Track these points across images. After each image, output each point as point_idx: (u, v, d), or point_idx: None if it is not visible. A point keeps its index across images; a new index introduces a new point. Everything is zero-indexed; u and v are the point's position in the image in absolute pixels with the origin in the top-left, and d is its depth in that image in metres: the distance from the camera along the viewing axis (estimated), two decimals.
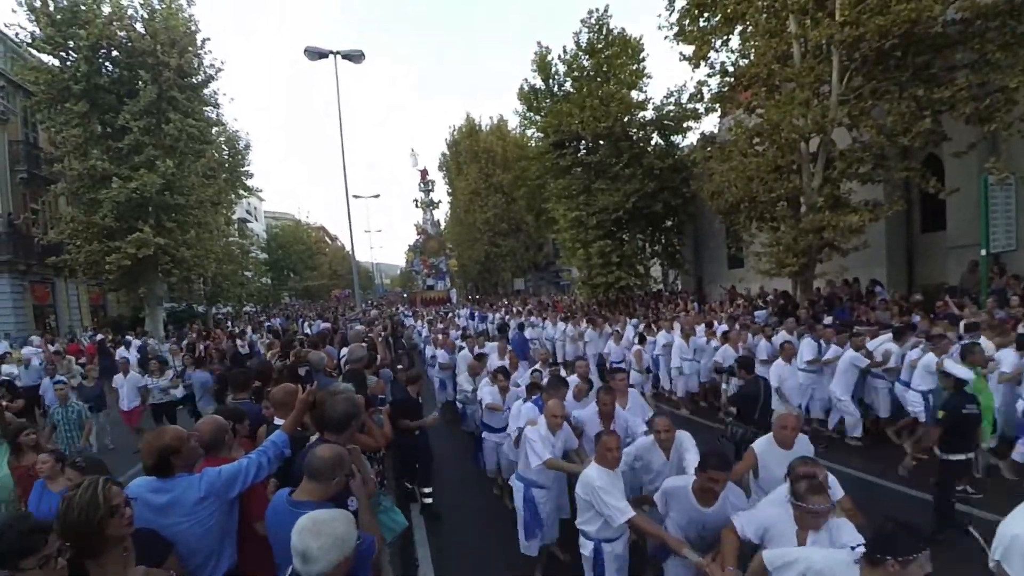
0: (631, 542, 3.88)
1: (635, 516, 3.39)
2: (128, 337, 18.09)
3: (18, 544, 1.76)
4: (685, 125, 20.11)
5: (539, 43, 22.04)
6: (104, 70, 18.75)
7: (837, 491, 3.22)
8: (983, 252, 10.27)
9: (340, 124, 15.76)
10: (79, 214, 18.81)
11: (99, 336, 19.15)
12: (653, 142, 21.16)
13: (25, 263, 20.40)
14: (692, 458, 3.81)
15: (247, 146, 28.92)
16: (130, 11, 18.71)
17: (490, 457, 6.26)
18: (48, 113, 18.94)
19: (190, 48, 19.55)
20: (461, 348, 9.76)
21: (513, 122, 33.31)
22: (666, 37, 14.40)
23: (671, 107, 20.00)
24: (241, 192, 29.80)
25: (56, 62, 18.30)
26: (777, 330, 9.54)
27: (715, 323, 11.13)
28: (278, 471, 2.83)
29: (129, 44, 18.35)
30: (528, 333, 15.68)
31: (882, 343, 7.67)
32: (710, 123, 24.66)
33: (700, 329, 10.77)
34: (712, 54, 14.09)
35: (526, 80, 22.96)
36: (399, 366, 8.23)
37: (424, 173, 36.68)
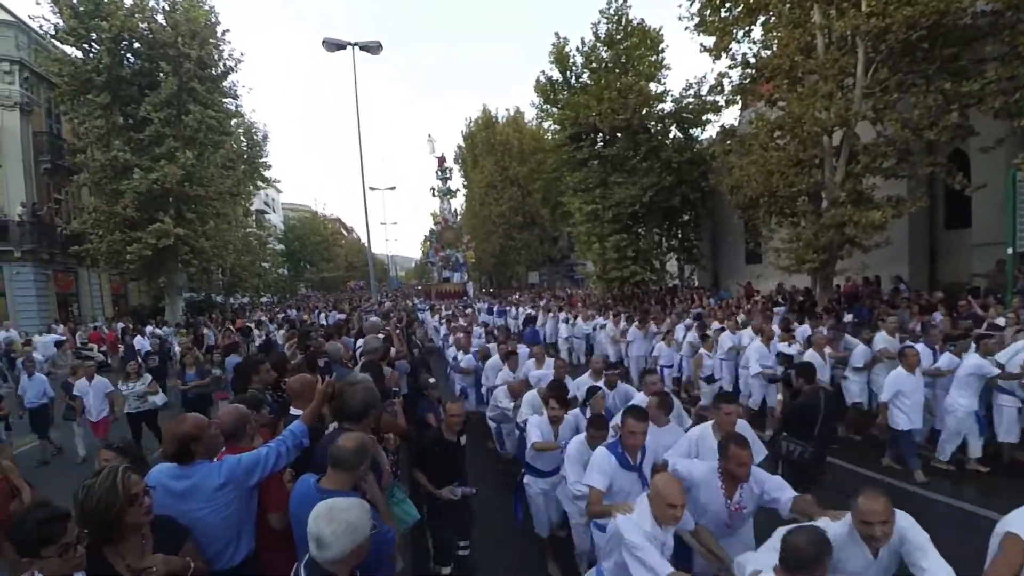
0: None
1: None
2: (148, 327, 18.36)
3: (38, 533, 1.78)
4: (704, 118, 19.86)
5: (556, 34, 21.97)
6: (126, 62, 19.02)
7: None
8: (1009, 250, 9.99)
9: (357, 116, 15.80)
10: (101, 204, 19.14)
11: (120, 325, 19.50)
12: (671, 135, 20.94)
13: (48, 252, 20.82)
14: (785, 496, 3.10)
15: (265, 137, 29.17)
16: (151, 3, 18.97)
17: (539, 514, 4.59)
18: (71, 104, 19.30)
19: (210, 40, 19.75)
20: (488, 354, 8.24)
21: (530, 114, 33.22)
22: (686, 28, 14.18)
23: (690, 99, 19.74)
24: (259, 183, 30.07)
25: (79, 54, 18.62)
26: (876, 329, 8.12)
27: (793, 324, 9.45)
28: (296, 461, 2.84)
29: (150, 36, 18.58)
30: (562, 330, 15.07)
31: (1019, 351, 6.23)
32: (730, 116, 24.34)
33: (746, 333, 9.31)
34: (733, 45, 13.84)
35: (543, 72, 22.84)
36: (430, 380, 6.58)
37: (441, 160, 35.64)
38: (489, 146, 36.66)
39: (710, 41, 13.94)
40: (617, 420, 4.05)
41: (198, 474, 2.46)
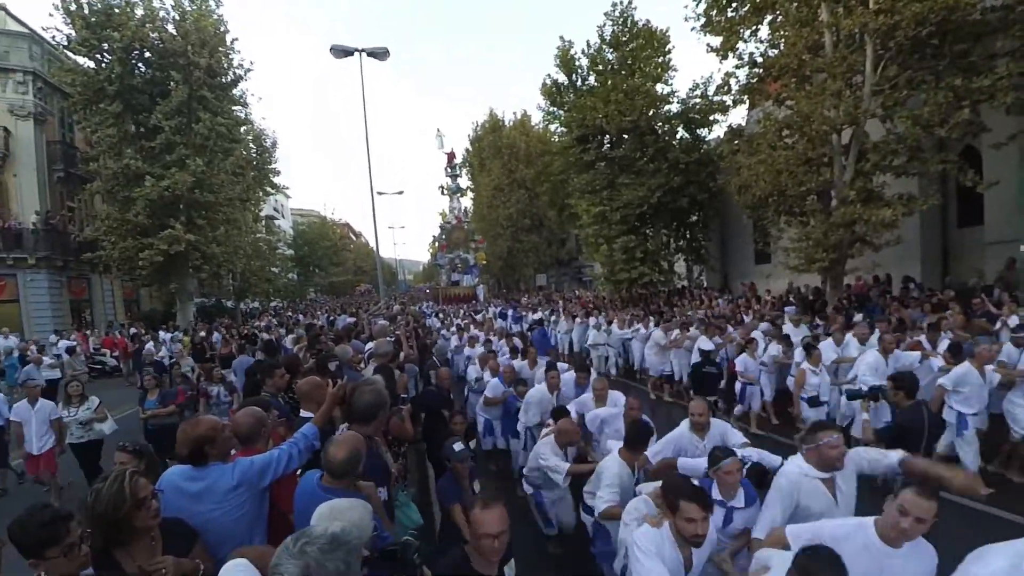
0: None
1: None
2: (161, 332, 18.53)
3: (40, 534, 1.80)
4: (712, 118, 19.82)
5: (561, 38, 21.93)
6: (137, 71, 19.29)
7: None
8: (1022, 247, 9.88)
9: (365, 122, 15.85)
10: (113, 212, 19.39)
11: (133, 330, 19.70)
12: (679, 136, 20.90)
13: (62, 259, 21.13)
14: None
15: (274, 144, 29.41)
16: (162, 12, 19.20)
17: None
18: (84, 114, 19.62)
19: (220, 48, 19.98)
20: (517, 377, 6.80)
21: (536, 117, 33.17)
22: (692, 28, 14.16)
23: (697, 100, 19.70)
24: (268, 189, 30.33)
25: (91, 64, 18.91)
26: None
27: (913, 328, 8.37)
28: (307, 463, 2.87)
29: (161, 45, 18.83)
30: (593, 336, 13.35)
31: None
32: (738, 116, 24.26)
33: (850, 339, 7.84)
34: (740, 45, 13.79)
35: (549, 75, 22.85)
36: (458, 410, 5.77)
37: (451, 156, 35.02)
38: (496, 149, 36.68)
39: (717, 41, 13.90)
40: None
41: (212, 476, 2.48)
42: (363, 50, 14.82)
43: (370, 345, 7.26)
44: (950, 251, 14.78)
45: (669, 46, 20.05)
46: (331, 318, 22.28)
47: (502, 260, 37.23)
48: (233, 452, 2.78)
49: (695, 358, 9.09)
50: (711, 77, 19.13)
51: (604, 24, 20.37)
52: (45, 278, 20.65)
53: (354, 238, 77.09)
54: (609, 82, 19.91)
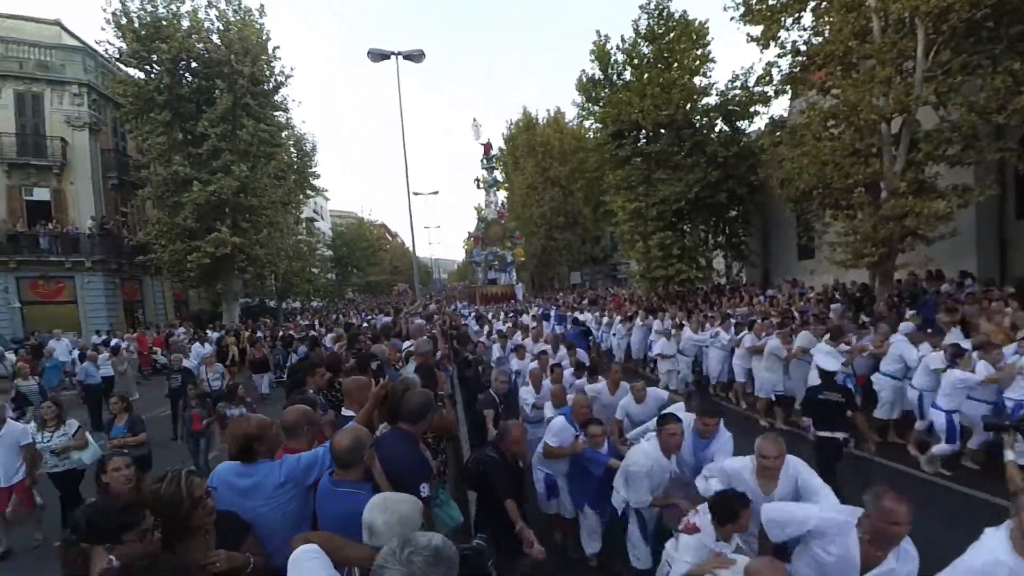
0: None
1: None
2: (209, 331, 19.19)
3: (119, 519, 1.93)
4: (752, 110, 19.25)
5: (597, 32, 21.69)
6: (184, 80, 20.09)
7: None
8: None
9: (402, 124, 16.06)
10: (163, 216, 20.26)
11: (181, 330, 20.37)
12: (717, 129, 20.39)
13: (116, 262, 22.23)
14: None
15: (313, 148, 30.16)
16: (207, 24, 19.91)
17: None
18: (135, 123, 20.56)
19: (262, 56, 20.62)
20: (587, 416, 4.83)
21: (570, 114, 32.81)
22: (732, 18, 13.80)
23: (736, 91, 19.18)
24: (308, 192, 31.12)
25: (141, 75, 19.79)
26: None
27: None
28: None
29: (206, 55, 19.57)
30: (660, 345, 10.61)
31: None
32: (779, 107, 23.52)
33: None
34: (782, 33, 13.37)
35: (584, 71, 22.64)
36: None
37: (487, 147, 33.37)
38: (530, 148, 36.57)
39: (757, 30, 13.52)
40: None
41: (260, 472, 2.55)
42: (399, 53, 14.99)
43: (408, 343, 7.35)
44: (1008, 244, 13.98)
45: (708, 38, 19.59)
46: (369, 317, 22.57)
47: (536, 258, 37.13)
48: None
49: (811, 377, 7.17)
50: (751, 68, 18.53)
51: (639, 17, 20.05)
52: (101, 280, 21.75)
53: (390, 238, 78.33)
54: (645, 76, 19.57)
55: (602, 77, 22.12)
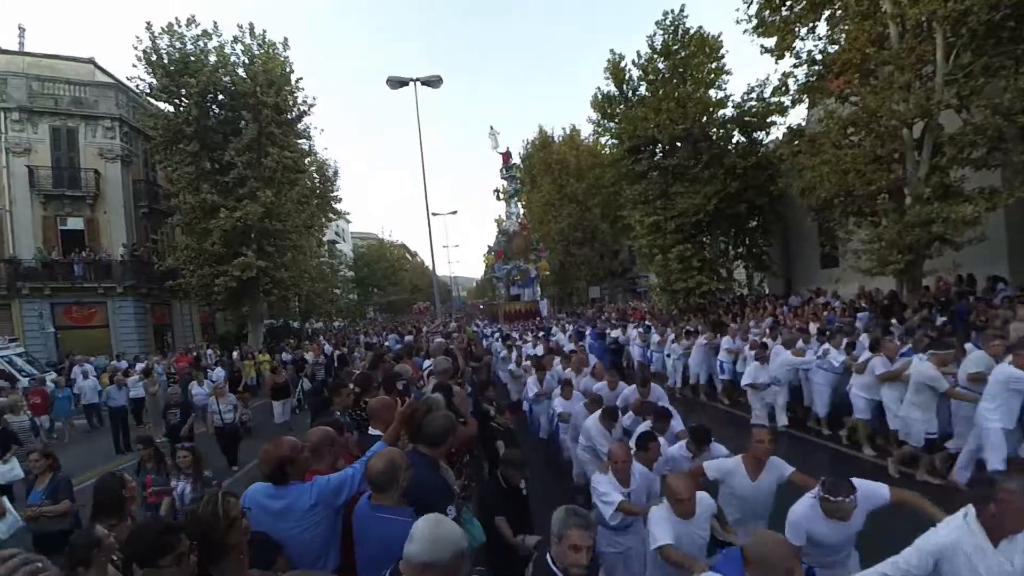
0: None
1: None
2: (234, 353, 19.48)
3: (156, 543, 1.93)
4: (769, 120, 19.14)
5: (612, 50, 21.88)
6: (211, 112, 20.77)
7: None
8: None
9: (421, 148, 16.44)
10: (192, 242, 20.81)
11: (208, 351, 20.69)
12: (734, 140, 20.31)
13: (147, 287, 22.91)
14: None
15: (335, 173, 30.78)
16: (233, 58, 20.60)
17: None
18: (165, 154, 21.27)
19: (286, 87, 21.22)
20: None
21: (586, 131, 32.83)
22: (745, 31, 13.83)
23: (752, 102, 19.12)
24: (330, 215, 31.69)
25: (170, 108, 20.49)
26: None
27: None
28: None
29: (232, 88, 20.20)
30: (750, 372, 8.05)
31: None
32: (796, 116, 23.30)
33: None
34: (797, 43, 13.38)
35: (599, 88, 22.78)
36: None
37: (507, 156, 31.87)
38: (546, 165, 36.75)
39: (771, 42, 13.54)
40: None
41: (291, 495, 2.60)
42: (418, 79, 15.32)
43: (428, 363, 7.37)
44: None
45: (722, 51, 19.62)
46: (382, 337, 22.01)
47: (554, 274, 37.09)
48: None
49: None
50: (767, 79, 18.49)
51: (655, 34, 20.18)
52: (131, 305, 22.42)
53: (410, 258, 79.08)
54: (660, 91, 19.64)
55: (617, 94, 22.24)
